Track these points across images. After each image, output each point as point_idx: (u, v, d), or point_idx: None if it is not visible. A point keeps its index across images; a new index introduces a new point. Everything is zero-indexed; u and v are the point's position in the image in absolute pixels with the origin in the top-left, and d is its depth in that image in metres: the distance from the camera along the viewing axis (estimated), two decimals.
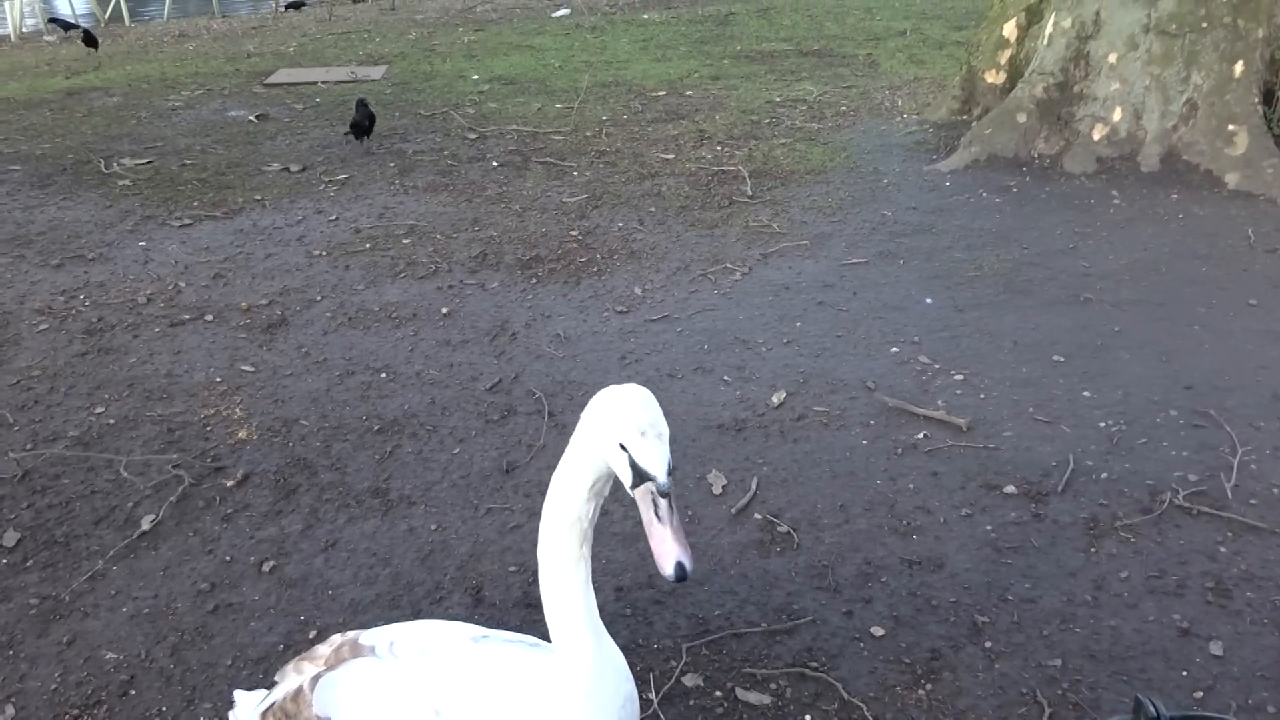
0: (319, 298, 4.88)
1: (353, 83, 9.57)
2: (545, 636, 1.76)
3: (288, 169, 6.86)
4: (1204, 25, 5.67)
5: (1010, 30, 6.67)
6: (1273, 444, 3.44)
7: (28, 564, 3.12)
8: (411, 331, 4.52)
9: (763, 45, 10.80)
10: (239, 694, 2.16)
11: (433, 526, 3.23)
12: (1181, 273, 4.68)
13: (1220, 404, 3.67)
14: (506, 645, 1.85)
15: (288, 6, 16.63)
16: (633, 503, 1.51)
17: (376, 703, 1.77)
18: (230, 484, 3.46)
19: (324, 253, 5.42)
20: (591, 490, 1.56)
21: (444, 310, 4.70)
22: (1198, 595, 2.83)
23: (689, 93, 8.72)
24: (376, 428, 3.79)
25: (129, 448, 3.68)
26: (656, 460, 1.43)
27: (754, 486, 3.36)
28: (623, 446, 1.44)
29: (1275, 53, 5.74)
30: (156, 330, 4.59)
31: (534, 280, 5.02)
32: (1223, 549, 3.00)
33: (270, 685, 2.06)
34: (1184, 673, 2.59)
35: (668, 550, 1.42)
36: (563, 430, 3.72)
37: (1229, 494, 3.22)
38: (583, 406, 3.93)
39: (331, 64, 10.64)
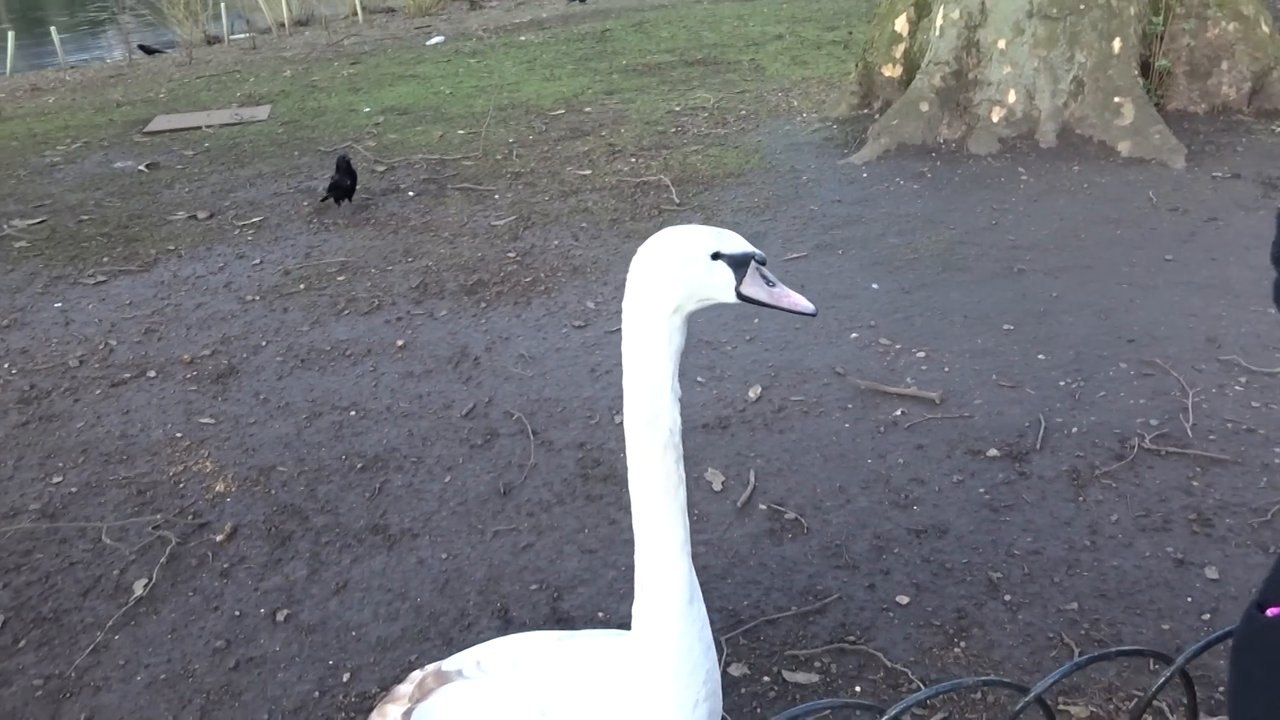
0: (264, 343, 4.75)
1: (239, 124, 9.31)
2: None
3: (195, 216, 6.65)
4: (1081, 7, 6.06)
5: (902, 25, 6.98)
6: (1217, 383, 3.71)
7: (20, 645, 2.95)
8: (370, 367, 4.45)
9: (647, 58, 10.97)
10: None
11: (443, 555, 3.20)
12: (1099, 237, 4.98)
13: (1163, 352, 3.93)
14: (593, 639, 1.85)
15: (140, 47, 16.05)
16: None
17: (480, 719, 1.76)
18: (219, 538, 3.35)
19: (257, 297, 5.28)
20: (673, 376, 1.55)
21: (399, 343, 4.64)
22: (1183, 528, 3.03)
23: (588, 109, 8.80)
24: (359, 465, 3.72)
25: (99, 514, 3.52)
26: (743, 241, 1.52)
27: (752, 479, 3.44)
28: (716, 254, 1.48)
29: (1147, 28, 6.17)
30: (97, 392, 4.40)
31: (482, 304, 4.99)
32: (1195, 483, 3.22)
33: None
34: (1188, 599, 2.78)
35: (797, 299, 1.53)
36: (550, 447, 3.73)
37: (1189, 433, 3.45)
38: (564, 422, 3.95)
39: (211, 107, 10.33)
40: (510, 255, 5.56)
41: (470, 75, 10.93)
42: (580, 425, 3.86)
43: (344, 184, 6.37)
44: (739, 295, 1.49)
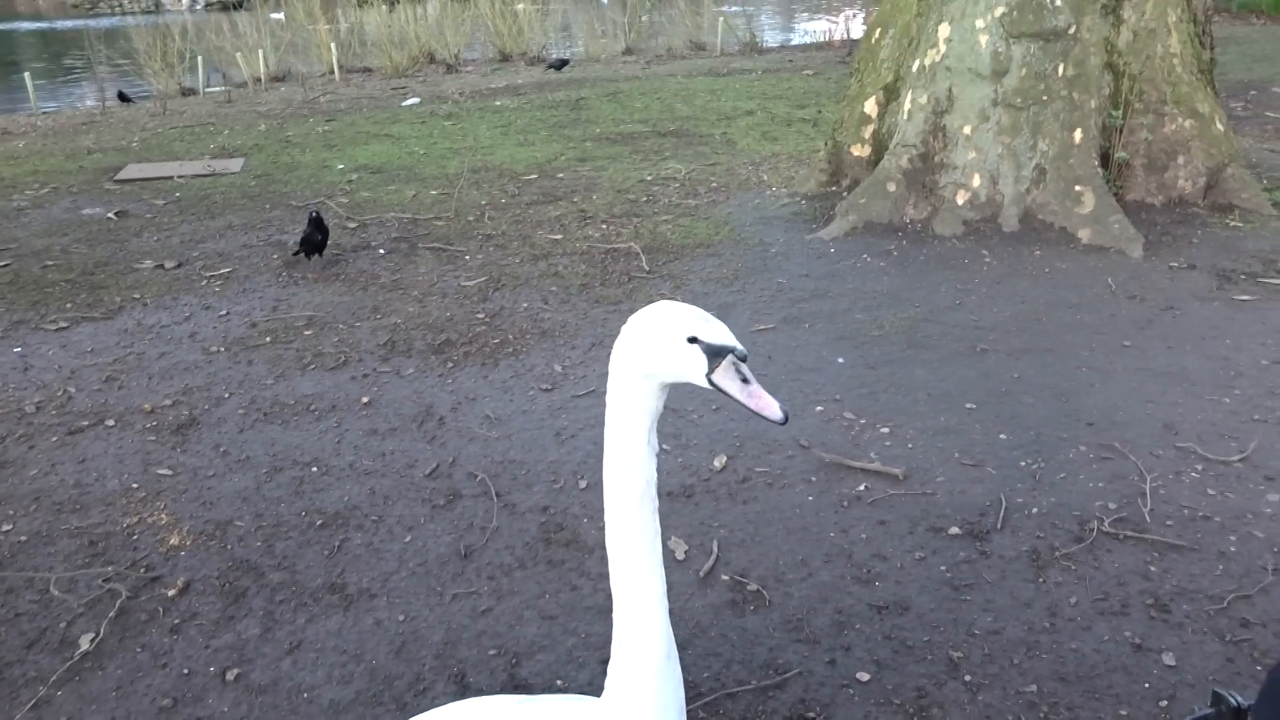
0: (227, 395, 4.70)
1: (211, 176, 9.31)
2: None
3: (162, 266, 6.60)
4: (1044, 98, 6.27)
5: (871, 107, 7.17)
6: (1174, 469, 3.77)
7: None
8: (334, 423, 4.41)
9: (620, 127, 11.15)
10: None
11: (400, 617, 3.14)
12: (1060, 321, 5.09)
13: (1121, 437, 4.00)
14: (556, 703, 1.84)
15: (120, 94, 16.06)
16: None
17: None
18: (171, 593, 3.27)
19: (222, 349, 5.23)
20: (650, 433, 1.64)
21: (364, 400, 4.61)
22: (1141, 613, 3.06)
23: (560, 175, 8.90)
24: (319, 522, 3.66)
25: (49, 564, 3.43)
26: (728, 332, 1.57)
27: (715, 549, 3.43)
28: (693, 339, 1.54)
29: (1107, 121, 6.38)
30: (53, 439, 4.31)
31: (450, 364, 4.98)
32: (1153, 568, 3.26)
33: None
34: (1146, 685, 2.79)
35: (768, 402, 1.56)
36: (513, 510, 3.71)
37: (1147, 518, 3.50)
38: (528, 485, 3.93)
39: (183, 158, 10.32)
40: (479, 316, 5.57)
41: (445, 137, 11.04)
42: (544, 489, 3.84)
43: (315, 238, 6.37)
44: (710, 382, 1.54)
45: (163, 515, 3.72)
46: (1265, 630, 2.96)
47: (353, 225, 7.40)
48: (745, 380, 1.56)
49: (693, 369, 1.56)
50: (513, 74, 17.21)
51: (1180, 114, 6.47)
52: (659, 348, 1.57)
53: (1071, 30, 6.26)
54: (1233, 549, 3.32)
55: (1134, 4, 6.38)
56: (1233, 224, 6.29)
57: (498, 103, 13.59)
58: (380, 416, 4.46)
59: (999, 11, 6.33)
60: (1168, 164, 6.52)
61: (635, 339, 1.59)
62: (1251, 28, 18.01)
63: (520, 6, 21.46)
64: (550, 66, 17.06)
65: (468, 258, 6.60)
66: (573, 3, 33.65)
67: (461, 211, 7.70)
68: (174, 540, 3.56)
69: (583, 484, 3.85)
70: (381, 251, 6.79)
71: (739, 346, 1.56)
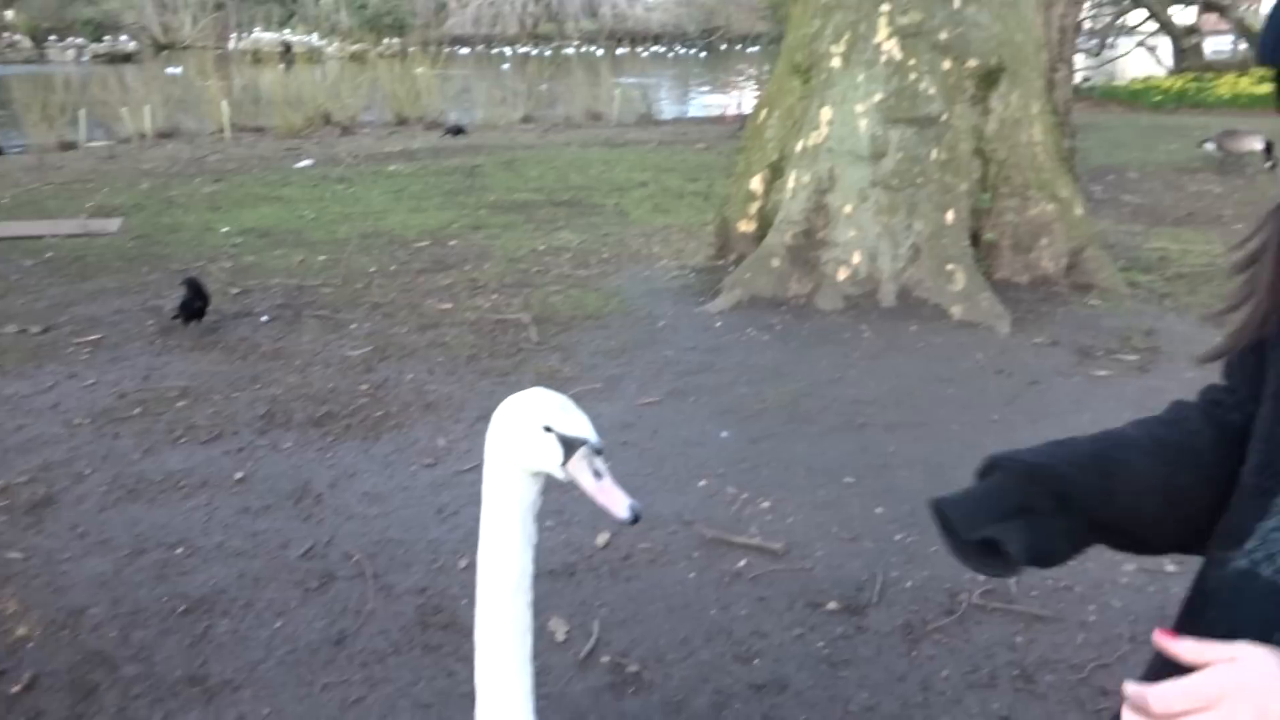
0: (88, 471, 4.48)
1: (85, 236, 8.99)
2: None
3: (26, 330, 6.31)
4: (919, 181, 6.56)
5: (757, 185, 7.39)
6: None
7: None
8: (204, 500, 4.24)
9: (515, 196, 11.22)
10: None
11: (265, 711, 3.01)
12: (933, 396, 5.27)
13: None
14: None
15: None
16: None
17: None
18: (15, 689, 3.07)
19: (86, 421, 5.00)
20: (525, 523, 1.63)
21: (237, 475, 4.46)
22: (1008, 684, 3.14)
23: (452, 243, 8.89)
24: (182, 608, 3.50)
25: None
26: (586, 424, 1.56)
27: (596, 630, 3.39)
28: (548, 428, 1.54)
29: (977, 203, 6.71)
30: None
31: (330, 438, 4.87)
32: (1019, 639, 3.36)
33: None
34: None
35: (618, 499, 1.54)
36: (389, 592, 3.61)
37: (1013, 589, 3.61)
38: (406, 565, 3.86)
39: (57, 216, 9.95)
40: (363, 388, 5.47)
41: (336, 201, 10.92)
42: (423, 569, 3.76)
43: (194, 304, 6.19)
44: (565, 472, 1.55)
45: (10, 603, 3.50)
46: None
47: (235, 291, 7.22)
48: (598, 474, 1.55)
49: (549, 459, 1.56)
50: (409, 138, 17.19)
51: (1043, 198, 6.85)
52: (521, 436, 1.57)
53: (944, 117, 6.60)
54: (1092, 618, 3.45)
55: (1000, 95, 6.78)
56: (1091, 302, 6.65)
57: (392, 167, 13.54)
58: (254, 493, 4.31)
59: (877, 98, 6.64)
60: (1032, 245, 6.88)
61: (499, 427, 1.61)
62: (1110, 115, 19.27)
63: (419, 70, 21.55)
64: (447, 132, 17.11)
65: (354, 326, 6.49)
66: (473, 68, 33.94)
67: (349, 278, 7.60)
68: (21, 630, 3.35)
69: (463, 563, 3.78)
70: (264, 319, 6.63)
71: (593, 439, 1.56)
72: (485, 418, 5.17)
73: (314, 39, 40.04)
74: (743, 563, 3.79)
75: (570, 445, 1.54)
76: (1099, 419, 4.95)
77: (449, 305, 6.93)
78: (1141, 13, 26.76)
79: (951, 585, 3.64)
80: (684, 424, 4.98)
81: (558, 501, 4.22)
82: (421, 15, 48.77)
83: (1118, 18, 28.85)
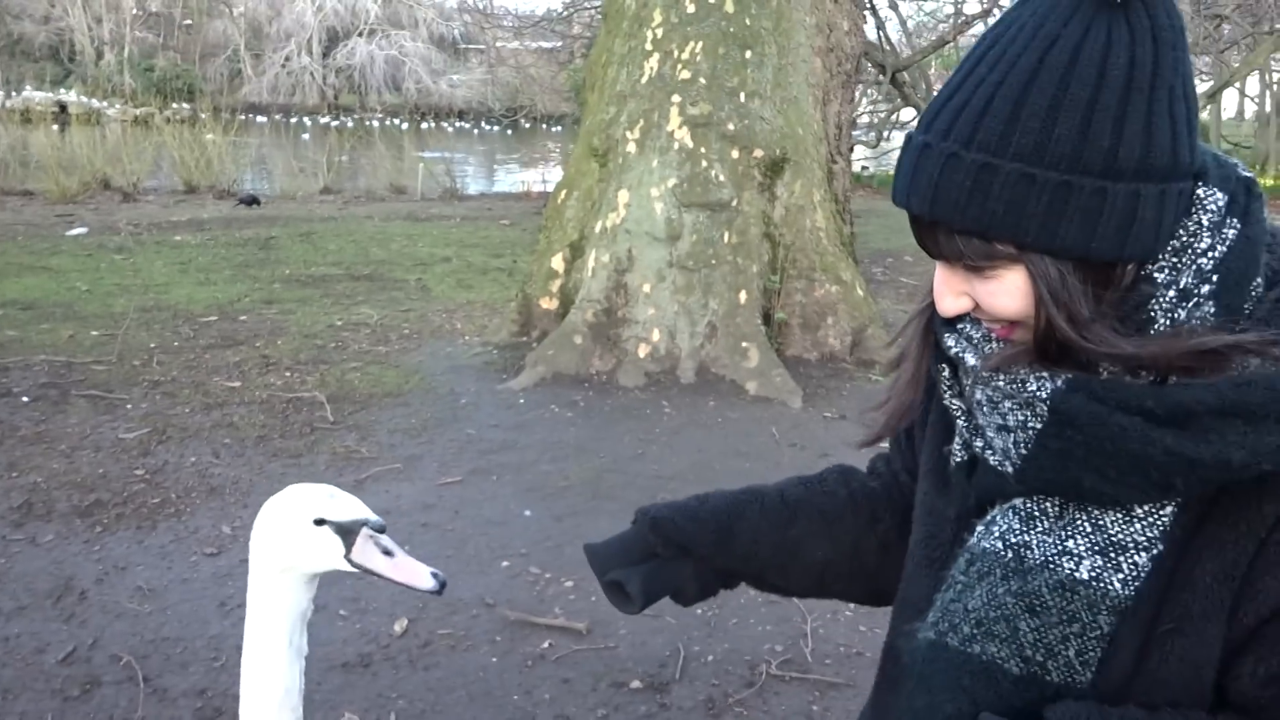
0: None
1: None
2: None
3: None
4: (713, 262, 6.84)
5: (558, 263, 7.48)
6: (830, 609, 4.07)
7: None
8: None
9: (312, 269, 10.88)
10: None
11: None
12: (732, 470, 5.42)
13: None
14: None
15: None
16: None
17: None
18: None
19: None
20: (293, 633, 1.51)
21: None
22: None
23: (243, 317, 8.50)
24: None
25: None
26: (359, 505, 1.47)
27: None
28: (320, 520, 1.44)
29: (767, 284, 7.05)
30: None
31: (98, 528, 4.49)
32: (815, 707, 3.46)
33: None
34: None
35: (417, 571, 1.46)
36: (163, 696, 3.34)
37: (809, 658, 3.73)
38: (183, 665, 3.61)
39: None
40: (138, 473, 5.09)
41: (113, 272, 10.25)
42: (202, 669, 3.50)
43: None
44: (352, 563, 1.47)
45: None
46: None
47: None
48: (388, 552, 1.47)
49: (328, 554, 1.46)
50: (198, 207, 16.41)
51: (827, 280, 7.28)
52: (286, 537, 1.46)
53: (734, 203, 6.94)
54: None
55: (785, 183, 7.20)
56: (874, 378, 7.07)
57: (178, 237, 12.86)
58: (6, 593, 3.90)
59: (671, 183, 6.90)
60: (819, 324, 7.27)
61: (262, 530, 1.49)
62: (888, 202, 20.76)
63: (210, 137, 20.66)
64: (241, 202, 16.44)
65: (129, 406, 6.06)
66: (269, 137, 32.96)
67: (126, 355, 7.11)
68: None
69: None
70: (25, 399, 6.09)
71: (372, 517, 1.47)
72: None
73: (93, 101, 37.82)
74: (546, 644, 3.74)
75: (349, 532, 1.45)
76: None
77: (237, 383, 6.60)
78: (912, 110, 29.24)
79: (751, 657, 3.72)
80: (486, 503, 4.90)
81: (353, 589, 4.05)
82: (214, 81, 47.07)
83: (891, 114, 31.42)
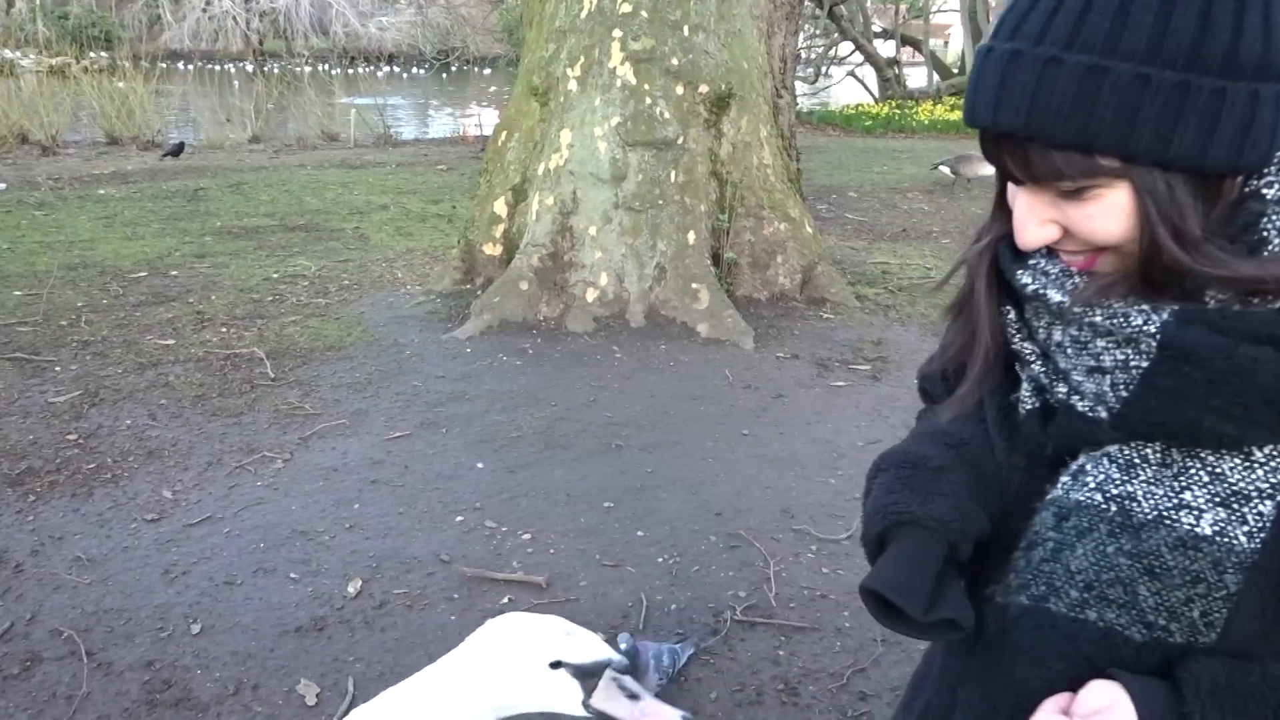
0: None
1: None
2: None
3: None
4: (660, 202, 6.70)
5: (501, 207, 7.28)
6: (793, 552, 4.04)
7: None
8: None
9: (244, 221, 10.51)
10: None
11: None
12: (686, 414, 5.36)
13: (745, 524, 4.23)
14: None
15: None
16: None
17: None
18: None
19: None
20: None
21: None
22: (774, 699, 3.19)
23: (174, 273, 8.18)
24: None
25: None
26: (599, 642, 1.30)
27: (351, 688, 3.16)
28: (555, 664, 1.26)
29: (716, 223, 6.93)
30: None
31: (31, 497, 4.29)
32: (781, 652, 3.43)
33: None
34: None
35: (665, 714, 1.27)
36: (109, 670, 3.20)
37: (773, 602, 3.70)
38: (128, 637, 3.47)
39: None
40: (70, 438, 4.88)
41: (35, 229, 9.80)
42: (149, 640, 3.36)
43: None
44: (588, 709, 1.28)
45: None
46: (880, 701, 3.19)
47: None
48: (633, 696, 1.27)
49: (562, 700, 1.27)
50: (121, 159, 15.76)
51: (776, 218, 7.18)
52: (514, 679, 1.26)
53: (680, 141, 6.78)
54: (847, 624, 3.58)
55: (731, 120, 7.05)
56: (825, 316, 7.03)
57: (102, 191, 12.34)
58: None
59: (614, 121, 6.71)
60: (769, 263, 7.19)
61: (482, 671, 1.27)
62: (829, 138, 20.70)
63: (122, 85, 19.74)
64: (167, 153, 15.81)
65: (58, 369, 5.80)
66: (193, 85, 31.77)
67: (52, 315, 6.80)
68: None
69: (196, 628, 3.42)
70: None
71: (615, 657, 1.28)
72: (218, 463, 4.78)
73: (5, 51, 36.05)
74: (506, 599, 3.66)
75: (590, 675, 1.26)
76: (840, 429, 5.22)
77: (171, 341, 6.35)
78: (850, 45, 29.07)
79: (715, 604, 3.68)
80: (437, 457, 4.78)
81: (303, 550, 3.93)
82: (132, 28, 45.11)
83: (829, 49, 31.23)
